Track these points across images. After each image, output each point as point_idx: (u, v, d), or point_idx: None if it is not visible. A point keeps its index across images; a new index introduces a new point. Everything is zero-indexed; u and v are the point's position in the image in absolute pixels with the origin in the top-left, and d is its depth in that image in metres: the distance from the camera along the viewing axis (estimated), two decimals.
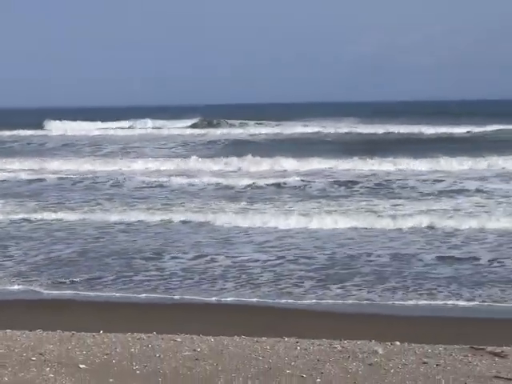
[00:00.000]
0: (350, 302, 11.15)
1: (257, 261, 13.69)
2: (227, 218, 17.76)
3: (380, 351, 7.71)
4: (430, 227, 15.97)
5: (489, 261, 13.03)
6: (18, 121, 62.35)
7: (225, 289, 11.89)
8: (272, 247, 14.91)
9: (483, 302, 10.94)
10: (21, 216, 18.61)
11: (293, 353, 7.66)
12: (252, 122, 55.00)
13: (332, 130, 46.97)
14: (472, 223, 16.09)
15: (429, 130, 44.74)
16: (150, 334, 8.46)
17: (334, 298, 11.35)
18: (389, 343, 8.03)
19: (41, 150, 40.59)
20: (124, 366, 7.09)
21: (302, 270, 12.91)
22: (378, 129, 46.37)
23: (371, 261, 13.38)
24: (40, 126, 54.98)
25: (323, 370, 6.91)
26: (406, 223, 16.33)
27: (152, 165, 30.82)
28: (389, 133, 44.29)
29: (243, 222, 17.29)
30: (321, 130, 47.30)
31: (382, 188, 22.83)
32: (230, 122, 56.06)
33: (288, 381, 6.64)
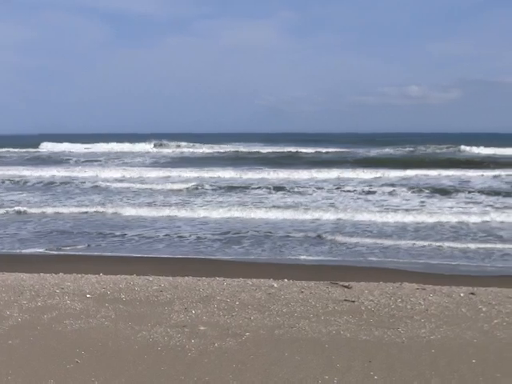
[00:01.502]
0: (253, 257, 12.30)
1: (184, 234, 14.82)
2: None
3: (275, 285, 8.59)
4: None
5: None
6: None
7: (177, 249, 13.00)
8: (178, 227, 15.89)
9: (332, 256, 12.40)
10: None
11: (221, 286, 8.49)
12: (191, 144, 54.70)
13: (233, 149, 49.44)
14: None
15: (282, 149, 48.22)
16: (132, 276, 9.24)
17: (241, 253, 12.60)
18: (281, 280, 8.94)
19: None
20: (115, 295, 7.92)
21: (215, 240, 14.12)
22: (259, 149, 48.84)
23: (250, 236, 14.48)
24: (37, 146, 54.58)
25: (240, 297, 7.84)
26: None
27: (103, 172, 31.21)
28: (271, 152, 46.14)
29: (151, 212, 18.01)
30: (225, 149, 48.79)
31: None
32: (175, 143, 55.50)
33: (218, 303, 7.49)
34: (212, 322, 6.76)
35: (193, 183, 25.56)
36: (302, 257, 12.29)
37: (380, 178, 27.59)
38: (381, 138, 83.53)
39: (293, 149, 48.02)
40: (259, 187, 24.33)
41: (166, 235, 14.73)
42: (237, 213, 17.77)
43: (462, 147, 46.64)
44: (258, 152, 46.53)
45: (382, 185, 24.71)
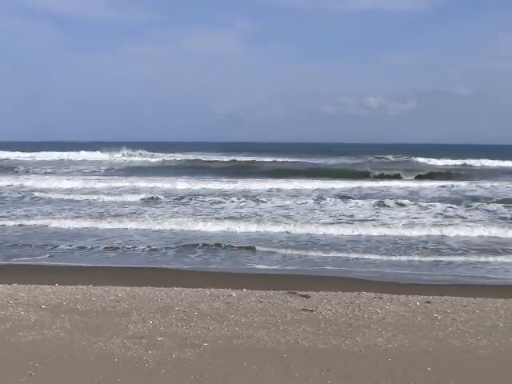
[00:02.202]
0: (213, 266, 12.27)
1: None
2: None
3: (234, 295, 8.58)
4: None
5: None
6: None
7: (133, 259, 12.86)
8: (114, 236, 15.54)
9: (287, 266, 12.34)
10: None
11: (179, 296, 8.42)
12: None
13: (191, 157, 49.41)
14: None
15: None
16: (89, 286, 9.11)
17: (198, 263, 12.54)
18: (239, 290, 8.92)
19: None
20: (71, 305, 7.79)
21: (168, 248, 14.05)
22: (216, 158, 48.65)
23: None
24: None
25: (198, 307, 7.77)
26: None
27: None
28: (231, 161, 46.04)
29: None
30: (181, 158, 48.55)
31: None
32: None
33: (176, 313, 7.42)
34: (170, 332, 6.70)
35: (144, 193, 25.12)
36: (259, 266, 12.28)
37: (333, 188, 27.78)
38: (338, 148, 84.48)
39: (250, 158, 48.30)
40: (213, 197, 24.16)
41: (121, 245, 14.45)
42: (189, 223, 17.49)
43: (414, 158, 48.00)
44: (216, 161, 46.42)
45: (335, 195, 24.90)
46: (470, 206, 21.27)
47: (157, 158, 49.60)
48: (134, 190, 27.02)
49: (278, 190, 27.60)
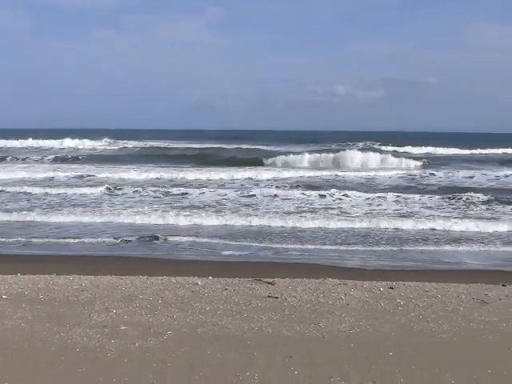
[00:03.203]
0: (178, 253, 12.26)
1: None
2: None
3: (199, 283, 8.56)
4: None
5: None
6: None
7: (95, 247, 12.78)
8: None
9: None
10: None
11: (144, 285, 8.37)
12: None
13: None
14: None
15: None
16: (52, 275, 8.99)
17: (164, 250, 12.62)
18: (205, 278, 8.90)
19: None
20: (33, 295, 7.67)
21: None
22: (183, 145, 49.12)
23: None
24: None
25: (163, 295, 7.74)
26: None
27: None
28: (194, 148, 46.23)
29: None
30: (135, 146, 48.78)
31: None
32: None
33: (140, 302, 7.37)
34: (133, 321, 6.65)
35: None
36: (226, 252, 12.25)
37: (290, 178, 27.77)
38: (308, 135, 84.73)
39: (216, 145, 48.19)
40: (166, 187, 23.76)
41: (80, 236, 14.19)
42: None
43: (377, 146, 48.89)
44: (185, 148, 46.22)
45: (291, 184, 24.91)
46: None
47: (116, 146, 49.14)
48: (90, 180, 26.62)
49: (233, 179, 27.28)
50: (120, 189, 23.01)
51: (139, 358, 5.53)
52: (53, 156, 41.35)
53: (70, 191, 22.44)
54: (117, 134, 59.04)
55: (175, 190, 22.51)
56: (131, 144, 50.59)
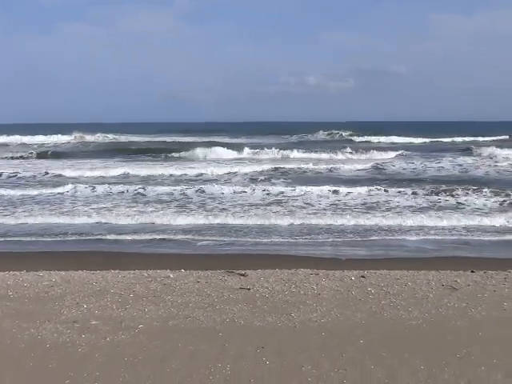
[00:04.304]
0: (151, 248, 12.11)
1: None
2: None
3: (171, 276, 8.54)
4: None
5: None
6: None
7: (63, 245, 12.59)
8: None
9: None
10: None
11: (116, 279, 8.34)
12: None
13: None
14: None
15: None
16: (22, 272, 8.89)
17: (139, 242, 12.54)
18: (177, 271, 8.91)
19: None
20: (1, 292, 7.61)
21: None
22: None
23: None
24: None
25: (135, 289, 7.73)
26: None
27: None
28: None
29: None
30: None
31: None
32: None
33: (112, 296, 7.35)
34: (104, 315, 6.62)
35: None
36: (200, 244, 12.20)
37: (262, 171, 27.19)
38: (279, 126, 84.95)
39: (187, 139, 48.13)
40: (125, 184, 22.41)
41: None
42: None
43: (344, 134, 49.57)
44: (144, 142, 45.72)
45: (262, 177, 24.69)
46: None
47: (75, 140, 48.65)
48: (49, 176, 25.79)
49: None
50: None
51: (110, 352, 5.51)
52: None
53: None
54: (80, 128, 57.91)
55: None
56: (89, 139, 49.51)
